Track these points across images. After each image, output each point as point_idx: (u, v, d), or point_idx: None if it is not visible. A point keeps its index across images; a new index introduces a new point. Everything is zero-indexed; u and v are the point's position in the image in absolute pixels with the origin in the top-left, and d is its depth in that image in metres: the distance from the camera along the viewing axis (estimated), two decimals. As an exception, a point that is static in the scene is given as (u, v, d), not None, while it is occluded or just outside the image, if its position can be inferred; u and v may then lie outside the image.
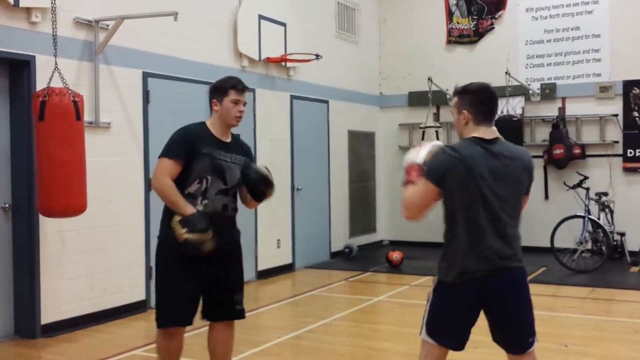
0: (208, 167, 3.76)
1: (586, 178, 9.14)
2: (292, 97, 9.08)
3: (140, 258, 6.58)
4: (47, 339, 5.61)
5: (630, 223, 9.36)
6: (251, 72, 8.20)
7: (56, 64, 5.07)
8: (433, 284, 3.17)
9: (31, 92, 5.38)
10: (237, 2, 7.98)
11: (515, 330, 3.10)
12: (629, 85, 9.57)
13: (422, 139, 9.80)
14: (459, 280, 3.03)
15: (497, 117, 10.61)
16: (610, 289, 7.58)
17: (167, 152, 3.77)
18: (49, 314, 5.70)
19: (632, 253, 9.07)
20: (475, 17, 10.71)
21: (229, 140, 3.91)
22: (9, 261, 5.66)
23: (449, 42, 10.91)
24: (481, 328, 3.17)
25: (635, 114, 9.56)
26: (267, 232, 8.37)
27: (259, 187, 3.90)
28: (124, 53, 6.41)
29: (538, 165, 10.09)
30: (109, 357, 5.14)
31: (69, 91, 5.01)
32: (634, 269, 8.70)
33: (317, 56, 8.52)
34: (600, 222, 8.77)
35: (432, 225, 5.21)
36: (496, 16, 10.56)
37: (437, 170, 3.01)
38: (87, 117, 5.61)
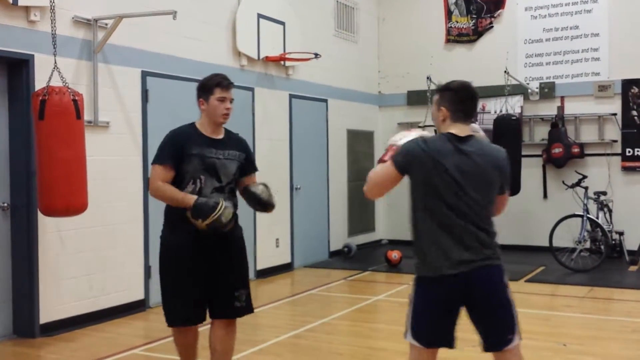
0: (199, 167, 3.77)
1: (585, 177, 9.15)
2: (291, 96, 9.08)
3: (139, 257, 6.58)
4: (46, 338, 5.60)
5: (629, 222, 9.36)
6: (250, 71, 8.20)
7: (55, 62, 5.06)
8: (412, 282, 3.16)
9: (30, 91, 5.37)
10: (236, 1, 7.97)
11: (491, 327, 3.06)
12: (627, 84, 9.57)
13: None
14: (432, 276, 3.03)
15: (496, 115, 10.62)
16: (608, 288, 7.59)
17: (157, 159, 3.82)
18: (47, 314, 5.70)
19: (630, 252, 9.07)
20: (474, 16, 10.71)
21: (221, 136, 3.91)
22: (7, 260, 5.65)
23: (448, 41, 10.91)
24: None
25: (634, 113, 9.56)
26: (266, 232, 8.37)
27: (257, 209, 3.98)
28: (122, 52, 6.41)
29: (537, 165, 10.11)
30: (108, 357, 5.13)
31: (69, 90, 5.01)
32: (633, 268, 8.71)
33: (316, 55, 8.51)
34: (599, 221, 8.77)
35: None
36: (495, 15, 10.56)
37: (402, 158, 3.04)
38: (86, 116, 5.59)
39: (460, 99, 3.12)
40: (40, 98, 4.90)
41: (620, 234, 9.25)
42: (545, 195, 10.11)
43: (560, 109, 10.00)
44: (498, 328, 3.06)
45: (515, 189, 9.26)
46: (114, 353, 5.20)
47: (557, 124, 9.86)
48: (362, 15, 10.93)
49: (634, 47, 9.54)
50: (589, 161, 9.78)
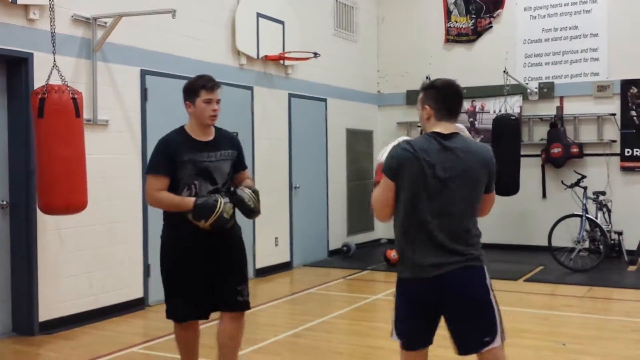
0: (192, 173, 3.77)
1: (584, 177, 9.16)
2: (290, 95, 9.08)
3: (138, 255, 6.58)
4: (45, 336, 5.60)
5: (628, 222, 9.37)
6: (249, 70, 8.20)
7: (55, 61, 5.06)
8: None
9: (29, 90, 5.37)
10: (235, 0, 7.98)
11: (465, 330, 3.00)
12: (626, 84, 9.57)
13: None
14: (409, 277, 3.03)
15: (495, 115, 10.61)
16: (607, 287, 7.59)
17: (150, 169, 3.82)
18: (47, 312, 5.70)
19: (629, 252, 9.08)
20: (473, 16, 10.71)
21: (211, 138, 3.89)
22: (6, 259, 5.65)
23: (447, 40, 10.91)
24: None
25: (633, 113, 9.57)
26: (265, 230, 8.36)
27: (242, 212, 3.91)
28: (122, 50, 6.41)
29: (536, 165, 10.12)
30: (107, 355, 5.13)
31: (68, 88, 5.01)
32: (632, 267, 8.71)
33: (315, 54, 8.51)
34: (598, 221, 8.77)
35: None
36: (494, 15, 10.56)
37: (391, 166, 3.01)
38: (85, 114, 5.59)
39: (444, 96, 3.09)
40: (40, 96, 4.90)
41: (619, 233, 9.26)
42: (544, 195, 10.12)
43: (560, 109, 10.01)
44: (473, 330, 3.00)
45: (514, 188, 9.28)
46: (113, 351, 5.20)
47: (556, 124, 9.86)
48: (361, 14, 10.94)
49: (633, 47, 9.54)
50: (588, 161, 9.79)
